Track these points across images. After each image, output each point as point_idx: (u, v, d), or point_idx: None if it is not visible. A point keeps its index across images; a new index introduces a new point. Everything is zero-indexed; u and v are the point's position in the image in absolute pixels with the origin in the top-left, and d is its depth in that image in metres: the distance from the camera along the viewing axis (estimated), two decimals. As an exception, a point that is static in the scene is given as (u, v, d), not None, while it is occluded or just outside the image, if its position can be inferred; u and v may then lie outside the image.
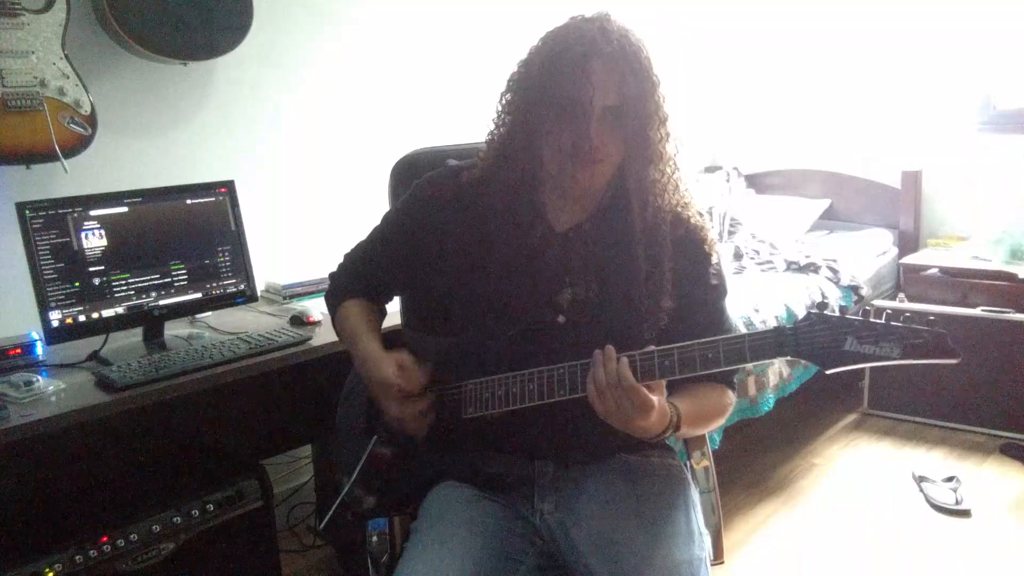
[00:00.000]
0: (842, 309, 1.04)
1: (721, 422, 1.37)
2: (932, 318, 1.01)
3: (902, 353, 1.00)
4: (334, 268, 1.53)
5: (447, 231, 1.34)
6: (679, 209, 1.29)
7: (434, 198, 1.37)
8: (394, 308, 1.56)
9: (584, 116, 1.18)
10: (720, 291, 1.34)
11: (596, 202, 1.31)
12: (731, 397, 1.34)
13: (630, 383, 1.10)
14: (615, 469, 1.32)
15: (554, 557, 1.28)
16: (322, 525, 1.55)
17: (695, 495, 1.36)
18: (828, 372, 1.05)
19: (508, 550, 1.24)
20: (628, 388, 1.10)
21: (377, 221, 1.49)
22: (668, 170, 1.26)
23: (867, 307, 1.05)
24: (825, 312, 1.05)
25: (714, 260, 1.32)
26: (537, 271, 1.29)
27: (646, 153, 1.23)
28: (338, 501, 1.41)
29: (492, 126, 1.32)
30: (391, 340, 1.41)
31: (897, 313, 1.02)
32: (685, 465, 1.45)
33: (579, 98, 1.18)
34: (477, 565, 1.18)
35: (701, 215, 1.32)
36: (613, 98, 1.19)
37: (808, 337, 1.05)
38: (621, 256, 1.27)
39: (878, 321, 1.02)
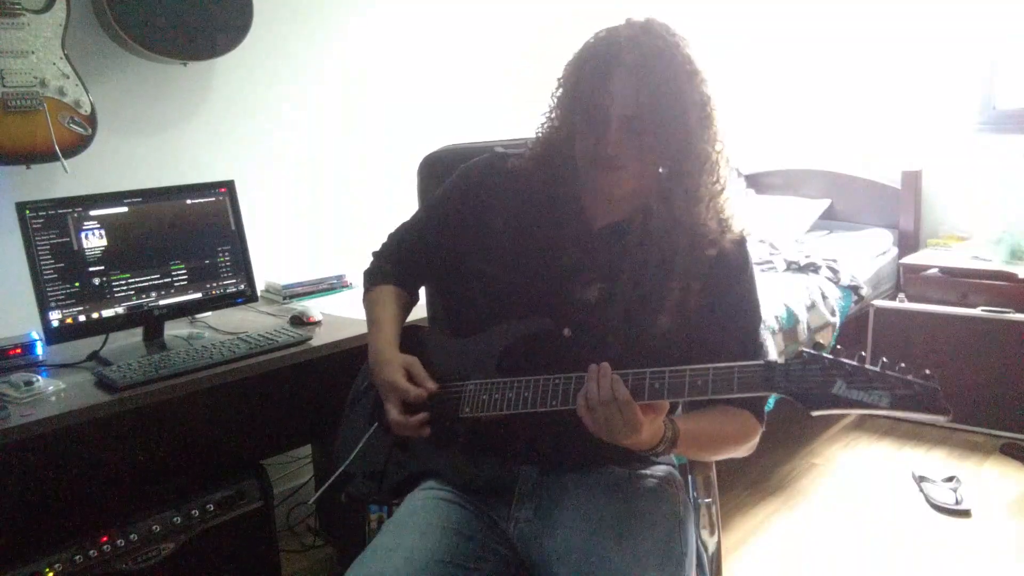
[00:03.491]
0: (836, 351, 1.02)
1: (741, 450, 1.29)
2: (928, 372, 0.98)
3: (891, 404, 0.98)
4: (377, 247, 1.55)
5: (489, 216, 1.35)
6: (711, 224, 1.25)
7: (480, 183, 1.39)
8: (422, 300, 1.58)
9: (603, 123, 1.20)
10: (752, 316, 1.30)
11: (633, 205, 1.30)
12: (755, 424, 1.28)
13: (626, 398, 1.08)
14: (601, 481, 1.30)
15: (519, 568, 1.27)
16: (313, 500, 1.56)
17: (687, 513, 1.32)
18: (813, 414, 1.03)
19: (461, 558, 1.22)
20: (623, 403, 1.08)
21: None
22: (697, 183, 1.23)
23: (862, 353, 1.02)
24: (820, 353, 1.03)
25: (745, 282, 1.29)
26: (566, 265, 1.29)
27: (670, 164, 1.22)
28: (332, 478, 1.41)
29: (543, 118, 1.33)
30: (409, 335, 1.43)
31: (893, 362, 0.99)
32: (685, 474, 1.44)
33: (599, 105, 1.20)
34: (420, 573, 1.17)
35: (738, 232, 1.28)
36: (631, 109, 1.18)
37: (798, 375, 1.03)
38: (642, 266, 1.26)
39: (871, 367, 0.99)
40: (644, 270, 1.26)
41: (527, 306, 1.29)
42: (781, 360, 1.05)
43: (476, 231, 1.36)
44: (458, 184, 1.42)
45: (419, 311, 1.67)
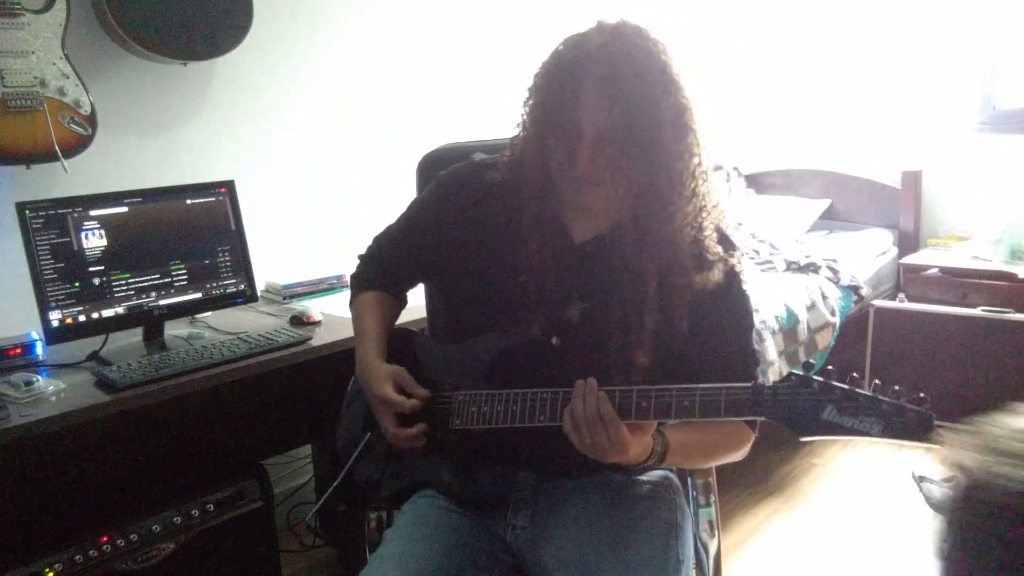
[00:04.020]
0: (826, 373, 1.01)
1: (734, 456, 1.27)
2: (923, 395, 0.96)
3: (882, 431, 0.96)
4: (362, 250, 1.53)
5: (468, 227, 1.32)
6: (686, 245, 1.21)
7: (458, 193, 1.35)
8: (416, 303, 1.57)
9: (576, 139, 1.15)
10: (737, 335, 1.27)
11: (615, 217, 1.25)
12: (748, 433, 1.26)
13: (612, 416, 1.06)
14: (597, 487, 1.29)
15: (522, 574, 1.27)
16: (310, 515, 1.56)
17: (684, 519, 1.30)
18: (802, 440, 1.01)
19: (469, 568, 1.22)
20: (609, 422, 1.06)
21: (377, 220, 1.49)
22: (667, 200, 1.18)
23: (855, 375, 0.99)
24: (810, 375, 1.00)
25: (730, 301, 1.25)
26: (549, 280, 1.25)
27: (646, 177, 1.17)
28: (328, 492, 1.41)
29: (517, 129, 1.28)
30: (399, 340, 1.42)
31: (887, 384, 0.97)
32: (684, 477, 1.43)
33: (570, 122, 1.14)
34: None
35: (723, 245, 1.24)
36: (604, 123, 1.12)
37: (787, 399, 1.00)
38: (627, 280, 1.23)
39: (863, 392, 0.97)
40: (627, 288, 1.22)
41: (512, 318, 1.26)
42: (770, 382, 1.03)
43: (455, 244, 1.33)
44: (436, 195, 1.39)
45: (419, 311, 1.67)
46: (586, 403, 1.08)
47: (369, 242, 1.52)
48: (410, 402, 1.28)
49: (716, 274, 1.23)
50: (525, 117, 1.25)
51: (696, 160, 1.18)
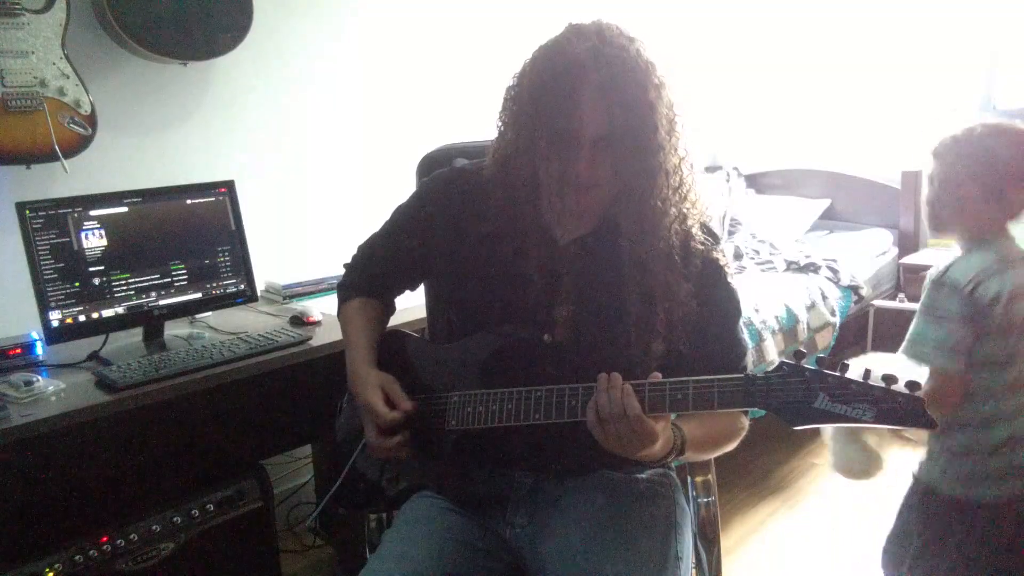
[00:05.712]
0: (820, 361, 1.01)
1: (731, 446, 1.29)
2: (914, 380, 0.96)
3: (875, 417, 0.96)
4: (348, 259, 1.53)
5: (452, 231, 1.32)
6: (681, 229, 1.22)
7: (442, 197, 1.35)
8: (406, 304, 1.57)
9: (575, 146, 1.15)
10: (729, 318, 1.29)
11: (599, 217, 1.26)
12: (744, 422, 1.29)
13: (636, 413, 1.05)
14: (596, 486, 1.29)
15: (522, 574, 1.27)
16: (310, 520, 1.56)
17: (683, 517, 1.31)
18: (795, 429, 1.01)
19: (466, 566, 1.23)
20: (633, 419, 1.05)
21: (377, 220, 1.50)
22: (666, 195, 1.19)
23: (845, 362, 1.00)
24: (800, 364, 1.01)
25: (719, 292, 1.27)
26: (534, 282, 1.25)
27: (641, 178, 1.18)
28: (327, 498, 1.41)
29: (495, 138, 1.28)
30: (391, 343, 1.42)
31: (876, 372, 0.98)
32: (684, 476, 1.43)
33: (568, 129, 1.14)
34: None
35: (706, 242, 1.26)
36: (603, 128, 1.13)
37: (779, 389, 1.01)
38: (613, 278, 1.23)
39: (854, 379, 0.98)
40: (616, 284, 1.23)
41: (501, 320, 1.26)
42: (761, 373, 1.03)
43: (440, 248, 1.33)
44: (419, 200, 1.40)
45: (419, 311, 1.67)
46: (611, 397, 1.06)
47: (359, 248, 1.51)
48: (391, 415, 1.26)
49: (701, 264, 1.24)
50: (504, 127, 1.25)
51: (684, 152, 1.20)
